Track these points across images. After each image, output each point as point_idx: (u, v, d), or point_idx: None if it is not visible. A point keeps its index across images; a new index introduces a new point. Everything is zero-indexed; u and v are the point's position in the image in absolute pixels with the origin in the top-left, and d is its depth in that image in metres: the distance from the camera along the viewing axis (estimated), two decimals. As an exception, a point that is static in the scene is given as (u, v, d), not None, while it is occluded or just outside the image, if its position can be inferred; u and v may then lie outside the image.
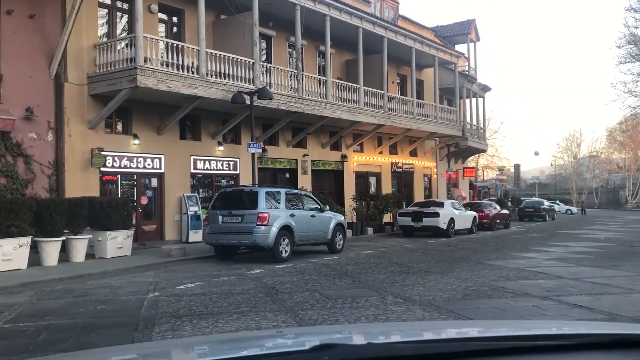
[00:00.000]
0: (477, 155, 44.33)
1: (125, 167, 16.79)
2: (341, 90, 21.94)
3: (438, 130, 27.94)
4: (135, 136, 16.92)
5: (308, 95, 20.31)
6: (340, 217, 15.71)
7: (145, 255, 14.19)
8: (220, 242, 13.25)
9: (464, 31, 34.03)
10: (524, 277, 10.34)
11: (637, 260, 13.09)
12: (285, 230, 13.11)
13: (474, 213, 25.02)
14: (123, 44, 15.79)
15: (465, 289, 8.93)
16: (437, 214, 21.47)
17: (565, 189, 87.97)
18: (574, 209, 60.68)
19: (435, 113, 27.80)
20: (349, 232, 20.60)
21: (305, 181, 22.31)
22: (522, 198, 48.54)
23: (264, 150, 20.18)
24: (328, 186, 24.66)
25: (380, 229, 23.02)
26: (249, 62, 17.99)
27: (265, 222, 12.65)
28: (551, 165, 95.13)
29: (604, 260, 13.28)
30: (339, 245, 15.29)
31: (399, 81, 29.19)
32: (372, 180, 27.22)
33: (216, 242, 13.32)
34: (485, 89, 36.73)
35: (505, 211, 30.08)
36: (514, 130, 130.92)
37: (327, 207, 15.26)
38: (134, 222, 16.44)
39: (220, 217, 13.18)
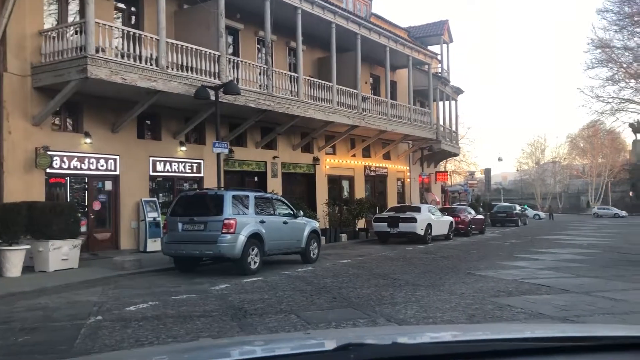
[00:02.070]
0: (445, 160, 43.64)
1: (76, 168, 15.08)
2: (313, 88, 20.63)
3: (412, 133, 26.91)
4: (87, 134, 15.23)
5: (278, 93, 18.93)
6: (315, 224, 14.36)
7: (95, 267, 12.54)
8: (180, 252, 11.71)
9: (437, 32, 33.20)
10: (527, 291, 9.16)
11: (636, 270, 12.10)
12: (255, 238, 11.66)
13: (451, 218, 24.01)
14: (72, 30, 14.13)
15: (466, 308, 7.67)
16: (414, 220, 20.33)
17: (529, 194, 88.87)
18: (542, 214, 60.85)
19: (410, 115, 26.77)
20: (322, 239, 19.27)
21: (275, 185, 20.88)
22: (494, 203, 48.13)
23: (231, 151, 18.68)
24: (299, 190, 23.28)
25: (354, 236, 21.75)
26: (214, 54, 16.51)
27: (232, 230, 11.18)
28: (517, 170, 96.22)
29: (601, 269, 12.27)
30: (314, 254, 13.92)
31: (371, 82, 28.05)
32: (345, 184, 25.97)
33: (175, 252, 11.78)
34: (458, 91, 35.99)
35: (480, 216, 29.23)
36: (481, 136, 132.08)
37: (301, 212, 13.88)
38: (83, 229, 14.79)
39: (180, 225, 11.64)
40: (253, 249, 11.60)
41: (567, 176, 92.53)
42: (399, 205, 25.01)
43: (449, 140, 33.11)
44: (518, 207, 42.14)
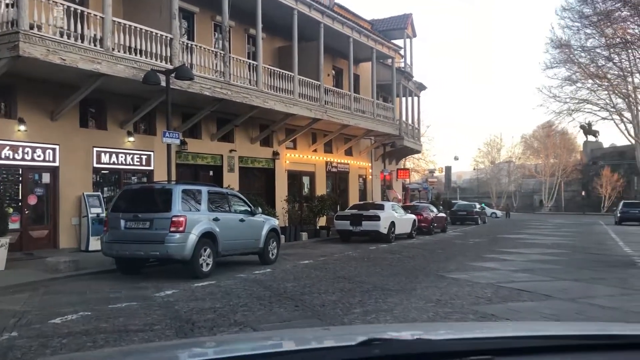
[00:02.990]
0: (405, 157, 43.23)
1: (8, 158, 13.54)
2: (274, 78, 19.51)
3: (375, 128, 26.11)
4: (21, 121, 13.71)
5: (236, 81, 17.73)
6: (274, 222, 13.28)
7: (26, 269, 11.13)
8: (122, 253, 10.43)
9: (400, 25, 32.51)
10: (507, 297, 8.35)
11: (613, 272, 11.54)
12: (207, 238, 10.50)
13: (414, 216, 23.32)
14: (3, 3, 12.59)
15: (446, 318, 6.78)
16: (377, 218, 19.50)
17: (485, 193, 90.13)
18: (499, 212, 61.46)
19: (373, 109, 25.97)
20: (282, 238, 18.21)
21: (231, 180, 19.65)
22: (453, 201, 48.04)
23: (184, 142, 17.41)
24: (258, 186, 22.12)
25: (315, 234, 20.75)
26: (167, 37, 15.22)
27: (181, 229, 9.98)
28: (474, 169, 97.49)
29: (577, 271, 11.67)
30: (273, 255, 12.85)
31: (334, 74, 27.09)
32: (306, 180, 24.94)
33: (117, 253, 10.49)
34: (421, 87, 35.48)
35: (442, 214, 28.73)
36: (440, 134, 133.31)
37: (259, 209, 12.75)
38: (16, 226, 13.32)
39: (123, 222, 10.36)
40: (205, 250, 10.44)
41: (521, 176, 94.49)
42: (361, 202, 24.16)
43: (411, 136, 32.53)
44: (478, 206, 42.05)
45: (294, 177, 23.95)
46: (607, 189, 79.74)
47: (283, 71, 19.92)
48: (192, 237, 10.08)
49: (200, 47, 16.78)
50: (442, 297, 8.34)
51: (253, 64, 18.75)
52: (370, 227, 19.45)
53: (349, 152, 27.89)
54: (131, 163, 16.48)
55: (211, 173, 19.70)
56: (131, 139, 16.31)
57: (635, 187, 64.34)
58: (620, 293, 8.66)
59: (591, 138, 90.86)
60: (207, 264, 10.49)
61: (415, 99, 34.46)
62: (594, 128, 79.57)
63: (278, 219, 17.99)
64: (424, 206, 27.54)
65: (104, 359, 1.97)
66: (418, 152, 38.21)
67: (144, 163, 16.82)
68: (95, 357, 2.19)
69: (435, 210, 27.76)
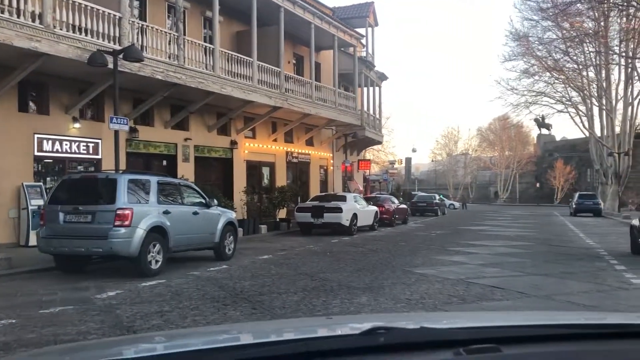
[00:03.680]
0: (366, 148, 42.87)
1: None
2: (231, 63, 18.58)
3: (337, 118, 25.48)
4: (-50, 104, 12.43)
5: (192, 65, 16.74)
6: (231, 214, 12.46)
7: (-49, 268, 9.99)
8: (61, 250, 9.44)
9: (362, 13, 31.91)
10: (480, 295, 7.84)
11: (581, 265, 11.25)
12: (157, 232, 9.62)
13: (376, 208, 22.84)
14: None
15: (419, 321, 6.16)
16: (339, 209, 18.90)
17: (442, 184, 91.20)
18: (457, 204, 62.08)
19: (335, 99, 25.32)
20: (239, 231, 17.39)
21: (186, 170, 18.67)
22: (413, 193, 48.06)
23: (134, 129, 16.40)
24: (215, 177, 21.19)
25: (275, 227, 20.00)
26: (115, 15, 14.11)
27: (127, 223, 9.06)
28: (432, 161, 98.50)
29: (545, 264, 11.33)
30: (230, 250, 12.04)
31: (295, 62, 26.27)
32: (266, 171, 24.11)
33: (55, 250, 9.49)
34: (382, 77, 35.06)
35: (403, 206, 28.41)
36: (399, 125, 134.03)
37: (215, 201, 11.88)
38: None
39: (61, 215, 9.36)
40: (154, 245, 9.56)
41: (477, 167, 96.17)
42: (323, 194, 23.52)
43: (372, 127, 32.09)
44: (437, 197, 42.07)
45: (253, 168, 23.10)
46: (560, 180, 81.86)
47: (241, 56, 19.01)
48: (139, 232, 9.18)
49: (152, 27, 15.70)
50: (412, 296, 7.75)
51: (209, 47, 17.76)
52: (332, 219, 18.84)
53: (310, 142, 27.19)
54: (77, 151, 15.32)
55: (165, 163, 18.67)
56: (77, 125, 15.15)
57: (588, 179, 65.99)
58: (596, 289, 8.26)
59: (544, 131, 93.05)
60: (157, 261, 9.61)
61: (377, 89, 34.01)
62: (547, 121, 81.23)
63: (236, 211, 17.19)
64: (385, 197, 27.13)
65: (35, 357, 1.93)
66: (379, 143, 37.87)
67: (91, 151, 15.68)
68: (31, 356, 2.10)
69: (396, 201, 27.41)
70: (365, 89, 31.91)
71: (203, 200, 11.39)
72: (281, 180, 24.08)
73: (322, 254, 13.31)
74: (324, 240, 17.19)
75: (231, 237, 12.06)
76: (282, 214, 21.38)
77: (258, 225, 18.77)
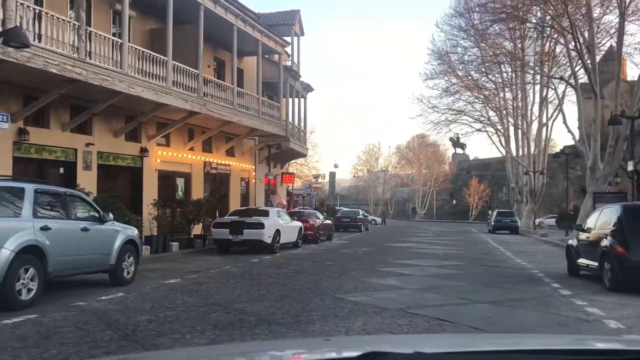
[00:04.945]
0: (289, 162, 41.62)
1: None
2: (143, 61, 16.65)
3: (260, 127, 23.97)
4: None
5: (96, 60, 14.71)
6: (132, 231, 10.57)
7: None
8: None
9: (288, 21, 30.68)
10: (428, 331, 6.57)
11: (525, 290, 10.36)
12: (30, 253, 7.65)
13: (300, 224, 21.49)
14: None
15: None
16: (261, 225, 17.33)
17: (363, 200, 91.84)
18: (378, 219, 62.16)
19: (258, 107, 23.82)
20: (147, 249, 15.42)
21: (88, 179, 16.42)
22: (337, 208, 47.24)
23: (24, 131, 14.14)
24: (122, 188, 18.99)
25: (188, 244, 18.06)
26: (-1, -5, 11.94)
27: (-16, 242, 7.08)
28: (353, 176, 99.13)
29: (486, 289, 10.34)
30: (129, 273, 10.17)
31: (215, 66, 24.56)
32: (180, 182, 22.10)
33: None
34: (308, 88, 33.98)
35: (328, 221, 27.26)
36: (323, 140, 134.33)
37: (111, 215, 9.95)
38: None
39: None
40: (27, 270, 7.60)
41: (396, 184, 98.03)
42: (243, 208, 21.86)
43: (297, 139, 30.81)
44: (361, 213, 41.39)
45: (167, 179, 21.05)
46: (475, 198, 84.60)
47: (154, 54, 17.11)
48: (5, 253, 7.21)
49: (48, 14, 13.57)
50: (350, 334, 6.36)
51: (118, 42, 15.78)
52: (252, 236, 17.23)
53: (230, 153, 25.44)
54: (-52, 154, 12.86)
55: (62, 170, 16.32)
56: (-53, 122, 12.68)
57: (503, 197, 68.23)
58: (555, 322, 7.23)
59: (459, 150, 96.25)
60: (29, 290, 7.64)
61: (302, 100, 32.87)
62: (462, 141, 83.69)
63: (143, 226, 15.24)
64: (310, 212, 25.87)
65: None
66: (304, 155, 36.67)
67: (-33, 155, 13.24)
68: None
69: (321, 217, 26.22)
70: (290, 99, 30.66)
71: (96, 215, 9.48)
72: (198, 192, 22.16)
73: (241, 277, 11.69)
74: (243, 259, 15.55)
75: (131, 257, 10.20)
76: (197, 229, 19.48)
77: (169, 243, 16.80)
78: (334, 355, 1.72)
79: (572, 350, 1.74)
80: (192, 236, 18.67)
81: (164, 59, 17.41)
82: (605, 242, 10.18)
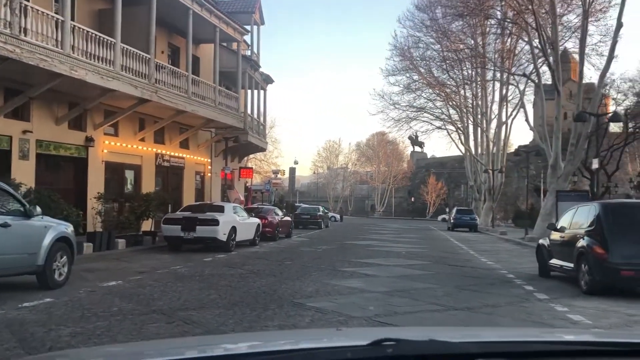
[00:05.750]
0: (248, 156, 40.41)
1: None
2: (88, 41, 15.29)
3: (217, 118, 22.78)
4: None
5: (33, 38, 13.30)
6: (65, 227, 9.32)
7: None
8: None
9: (248, 9, 29.49)
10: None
11: (498, 294, 9.67)
12: None
13: (258, 220, 20.45)
14: None
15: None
16: (216, 222, 16.23)
17: (322, 197, 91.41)
18: (337, 216, 61.61)
19: (215, 97, 22.63)
20: (89, 247, 14.13)
21: (24, 170, 14.98)
22: (297, 204, 46.32)
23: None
24: (64, 180, 17.57)
25: (136, 241, 16.75)
26: None
27: None
28: (314, 173, 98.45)
29: (456, 292, 9.61)
30: (62, 275, 8.96)
31: (169, 53, 23.23)
32: (130, 174, 20.72)
33: None
34: (268, 80, 32.87)
35: (287, 218, 26.28)
36: (283, 135, 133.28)
37: (38, 209, 8.68)
38: None
39: None
40: None
41: (355, 181, 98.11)
42: (197, 203, 20.65)
43: (256, 132, 29.69)
44: (321, 209, 40.57)
45: (115, 171, 19.67)
46: (432, 195, 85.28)
47: (100, 35, 15.76)
48: None
49: (-24, -16, 12.12)
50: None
51: (60, 19, 14.37)
52: (206, 233, 16.12)
53: (185, 145, 24.15)
54: None
55: (-6, 160, 14.83)
56: None
57: (462, 195, 68.74)
58: (545, 332, 6.51)
59: (417, 149, 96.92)
60: None
61: (262, 92, 31.75)
62: (420, 139, 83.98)
63: (85, 222, 13.93)
64: (268, 209, 24.83)
65: None
66: (263, 150, 35.58)
67: None
68: None
69: (280, 213, 25.22)
70: (249, 91, 29.51)
71: (20, 208, 8.25)
72: (149, 186, 20.82)
73: (190, 279, 10.61)
74: (195, 258, 14.43)
75: (64, 257, 8.99)
76: (147, 225, 18.19)
77: (114, 240, 15.50)
78: (345, 342, 1.70)
79: (580, 341, 1.75)
80: (140, 233, 17.38)
81: (112, 41, 16.08)
82: (582, 243, 9.59)
